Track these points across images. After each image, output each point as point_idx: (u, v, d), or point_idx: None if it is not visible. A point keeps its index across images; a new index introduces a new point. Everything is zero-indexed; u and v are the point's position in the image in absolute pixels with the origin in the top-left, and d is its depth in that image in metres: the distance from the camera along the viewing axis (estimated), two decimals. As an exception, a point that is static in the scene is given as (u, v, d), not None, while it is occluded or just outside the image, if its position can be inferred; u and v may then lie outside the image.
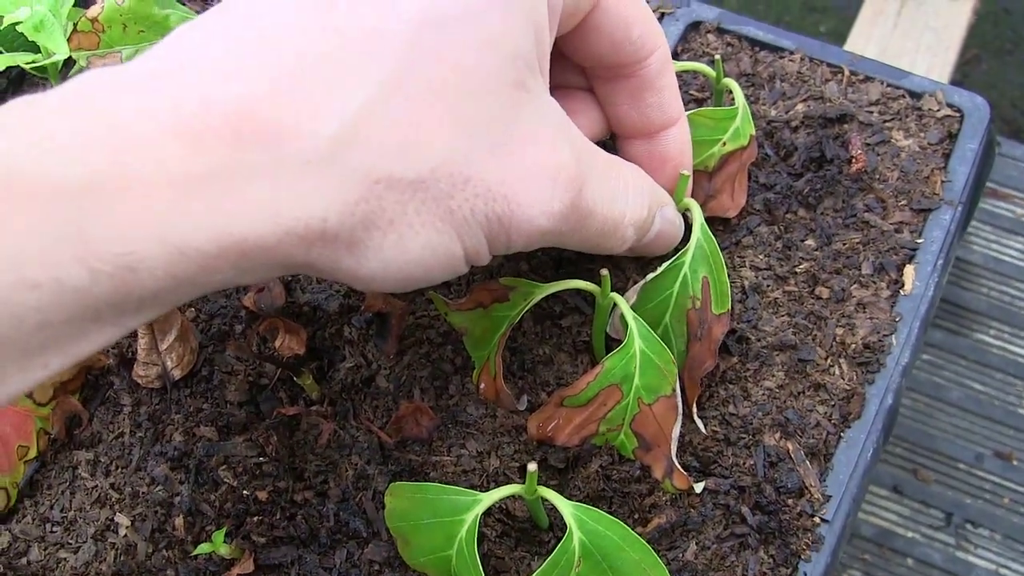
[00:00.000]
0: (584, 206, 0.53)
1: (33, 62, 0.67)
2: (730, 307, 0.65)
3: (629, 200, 0.58)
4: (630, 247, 0.60)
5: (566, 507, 0.56)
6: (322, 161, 0.42)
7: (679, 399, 0.61)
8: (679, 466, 0.61)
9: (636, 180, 0.59)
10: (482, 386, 0.65)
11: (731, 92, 0.72)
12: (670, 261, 0.65)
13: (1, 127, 0.38)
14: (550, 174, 0.50)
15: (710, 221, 0.71)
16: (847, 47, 1.04)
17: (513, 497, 0.62)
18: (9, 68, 0.76)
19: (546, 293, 0.63)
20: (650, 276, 0.65)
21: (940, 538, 0.85)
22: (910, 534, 0.86)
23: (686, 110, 0.71)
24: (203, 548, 0.61)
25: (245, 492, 0.64)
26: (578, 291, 0.69)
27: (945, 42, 0.98)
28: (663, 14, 0.82)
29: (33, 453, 0.67)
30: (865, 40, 0.99)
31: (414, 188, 0.45)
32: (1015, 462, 0.88)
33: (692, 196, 0.71)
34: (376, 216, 0.44)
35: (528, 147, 0.49)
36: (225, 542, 0.61)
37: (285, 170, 0.41)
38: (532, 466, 0.56)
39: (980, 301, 0.95)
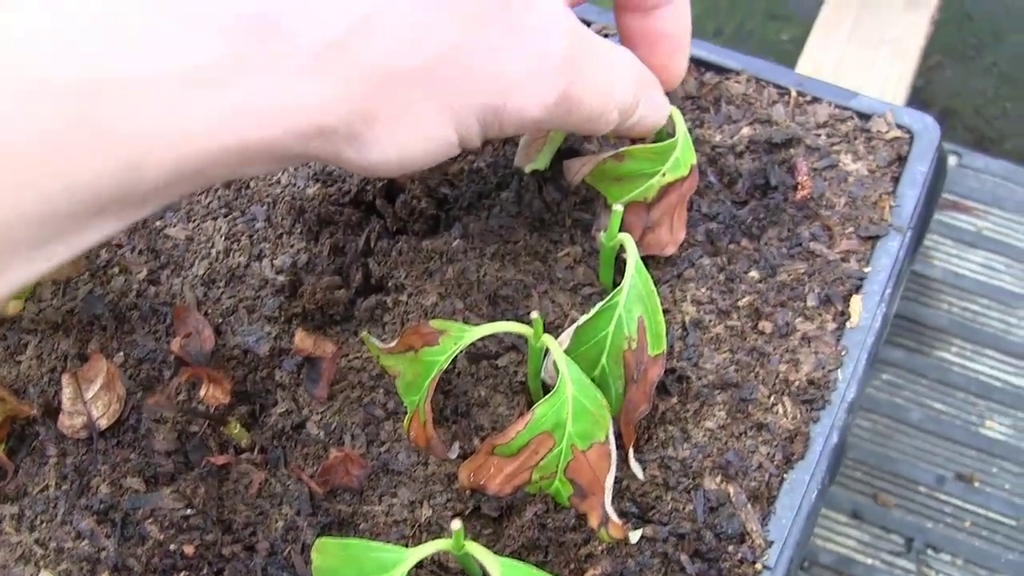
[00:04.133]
0: (575, 96, 0.53)
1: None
2: (666, 348, 0.63)
3: (616, 87, 0.57)
4: (613, 129, 0.60)
5: (494, 564, 0.54)
6: (327, 59, 0.43)
7: (613, 445, 0.60)
8: (614, 515, 0.59)
9: (625, 66, 0.59)
10: (412, 434, 0.63)
11: (671, 121, 0.71)
12: (604, 302, 0.63)
13: None
14: (546, 66, 0.51)
15: (649, 257, 0.69)
16: (803, 58, 1.02)
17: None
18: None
19: (477, 337, 0.61)
20: (584, 318, 0.63)
21: (901, 564, 0.84)
22: (870, 561, 0.84)
23: (629, 139, 0.70)
24: (126, 608, 0.59)
25: (172, 547, 0.62)
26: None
27: (903, 51, 0.96)
28: (607, 35, 0.80)
29: (-43, 506, 0.65)
30: (821, 51, 0.97)
31: (415, 82, 0.46)
32: (977, 484, 0.87)
33: (629, 229, 0.69)
34: (378, 111, 0.46)
35: (526, 38, 0.50)
36: (149, 600, 0.60)
37: (291, 67, 0.42)
38: (456, 524, 0.54)
39: (940, 318, 0.93)
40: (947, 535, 0.85)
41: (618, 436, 0.62)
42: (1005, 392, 0.90)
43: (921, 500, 0.86)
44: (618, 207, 0.64)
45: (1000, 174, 0.98)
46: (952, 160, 0.98)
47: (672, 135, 0.69)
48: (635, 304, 0.63)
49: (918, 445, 0.88)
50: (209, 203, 0.74)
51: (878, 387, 0.90)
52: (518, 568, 0.55)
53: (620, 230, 0.66)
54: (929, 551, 0.84)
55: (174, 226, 0.73)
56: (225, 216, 0.73)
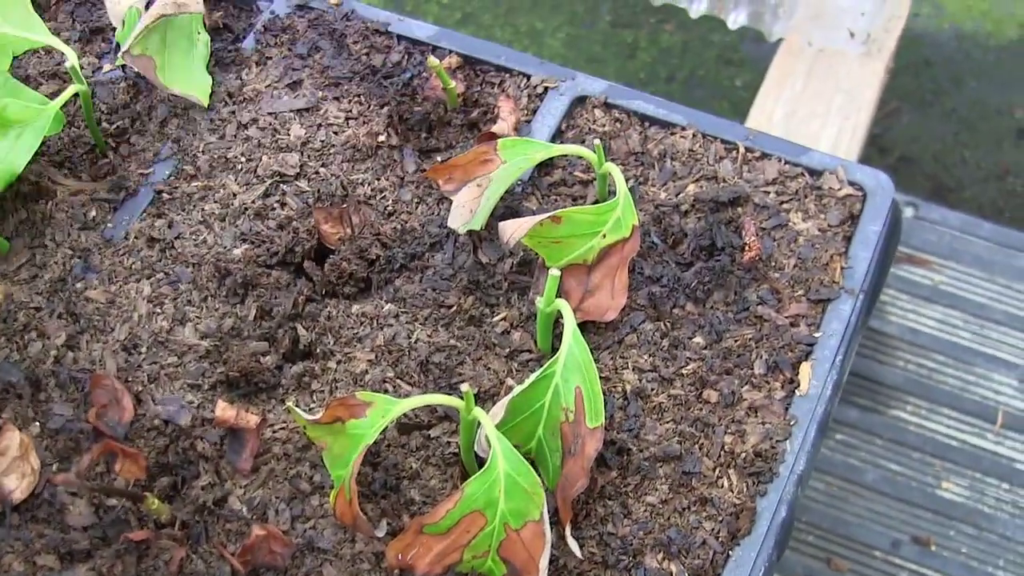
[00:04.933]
0: None
1: None
2: (604, 420, 0.60)
3: None
4: None
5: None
6: None
7: (547, 524, 0.57)
8: (550, 597, 0.57)
9: None
10: (338, 511, 0.60)
11: (611, 180, 0.68)
12: (541, 371, 0.60)
13: None
14: None
15: (588, 322, 0.67)
16: (755, 107, 1.00)
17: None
18: None
19: (405, 409, 0.59)
20: (519, 388, 0.60)
21: (855, 633, 0.81)
22: (824, 629, 0.81)
23: (571, 192, 0.67)
24: None
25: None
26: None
27: (857, 102, 0.94)
28: (547, 88, 0.77)
29: None
30: (774, 100, 0.95)
31: None
32: (934, 547, 0.84)
33: (568, 293, 0.67)
34: None
35: None
36: None
37: None
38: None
39: (896, 375, 0.91)
40: (903, 602, 0.82)
41: (554, 512, 0.60)
42: (962, 452, 0.87)
43: (876, 565, 0.83)
44: (555, 271, 0.62)
45: (957, 226, 0.96)
46: (908, 211, 0.96)
47: (613, 194, 0.67)
48: (573, 374, 0.60)
49: (873, 507, 0.85)
50: (132, 264, 0.71)
51: (832, 447, 0.87)
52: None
53: (558, 294, 0.63)
54: (885, 619, 0.82)
55: (95, 288, 0.70)
56: (148, 278, 0.70)
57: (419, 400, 0.59)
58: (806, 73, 0.96)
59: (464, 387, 0.57)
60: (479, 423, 0.60)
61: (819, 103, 0.94)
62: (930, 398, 0.90)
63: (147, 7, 0.76)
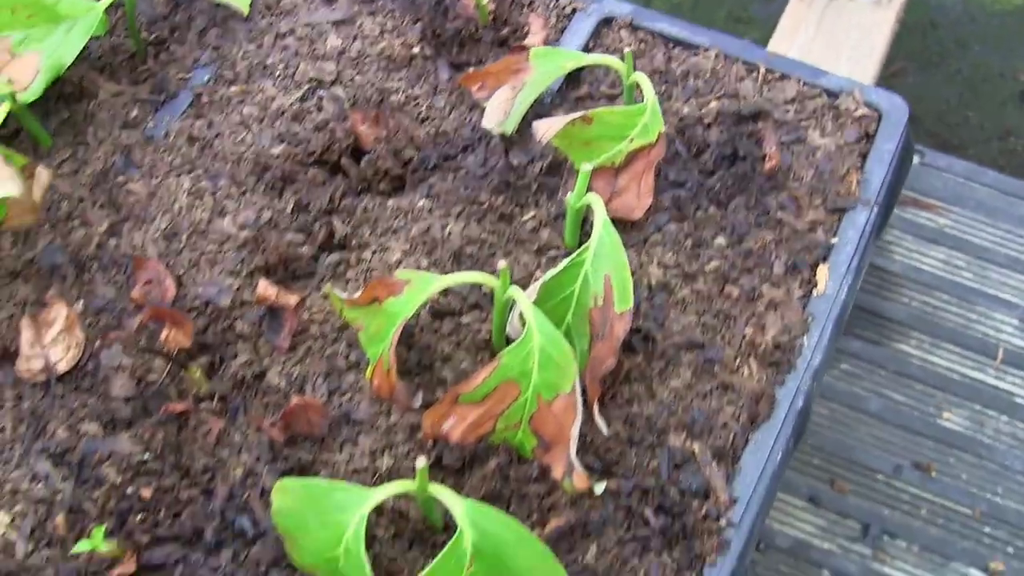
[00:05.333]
0: None
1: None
2: (633, 305, 0.63)
3: None
4: None
5: (458, 505, 0.54)
6: None
7: (578, 397, 0.59)
8: (579, 466, 0.59)
9: None
10: (375, 383, 0.62)
11: (640, 89, 0.71)
12: (571, 258, 0.62)
13: None
14: None
15: (616, 220, 0.69)
16: (769, 54, 1.02)
17: (406, 497, 0.60)
18: None
19: (442, 287, 0.61)
20: (550, 273, 0.63)
21: (857, 550, 0.83)
22: (826, 545, 0.83)
23: (597, 107, 0.69)
24: (82, 546, 0.58)
25: (129, 490, 0.61)
26: (479, 287, 0.67)
27: (867, 49, 0.97)
28: (575, 9, 0.80)
29: (-95, 452, 0.63)
30: (786, 48, 0.97)
31: None
32: (934, 474, 0.86)
33: (597, 194, 0.69)
34: None
35: None
36: (107, 540, 0.58)
37: None
38: (421, 461, 0.53)
39: (900, 311, 0.93)
40: (903, 523, 0.84)
41: (582, 392, 0.62)
42: (963, 385, 0.90)
43: (878, 488, 0.86)
44: (587, 166, 0.64)
45: (962, 174, 0.99)
46: (915, 159, 0.98)
47: (641, 102, 0.70)
48: (602, 262, 0.63)
49: (876, 434, 0.88)
50: (172, 160, 0.73)
51: (837, 376, 0.90)
52: (483, 509, 0.54)
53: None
54: (885, 537, 0.84)
55: (136, 182, 0.73)
56: (188, 173, 0.73)
57: (455, 278, 0.61)
58: (817, 22, 0.99)
59: (501, 263, 0.59)
60: (512, 303, 0.62)
61: (830, 50, 0.97)
62: (933, 333, 0.92)
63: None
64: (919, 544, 0.84)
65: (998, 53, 1.24)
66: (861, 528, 0.85)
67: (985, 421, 0.89)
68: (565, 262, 0.63)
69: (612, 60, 0.72)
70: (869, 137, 0.75)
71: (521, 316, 0.61)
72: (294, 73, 0.77)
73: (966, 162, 1.01)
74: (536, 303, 0.63)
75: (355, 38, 0.79)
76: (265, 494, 0.61)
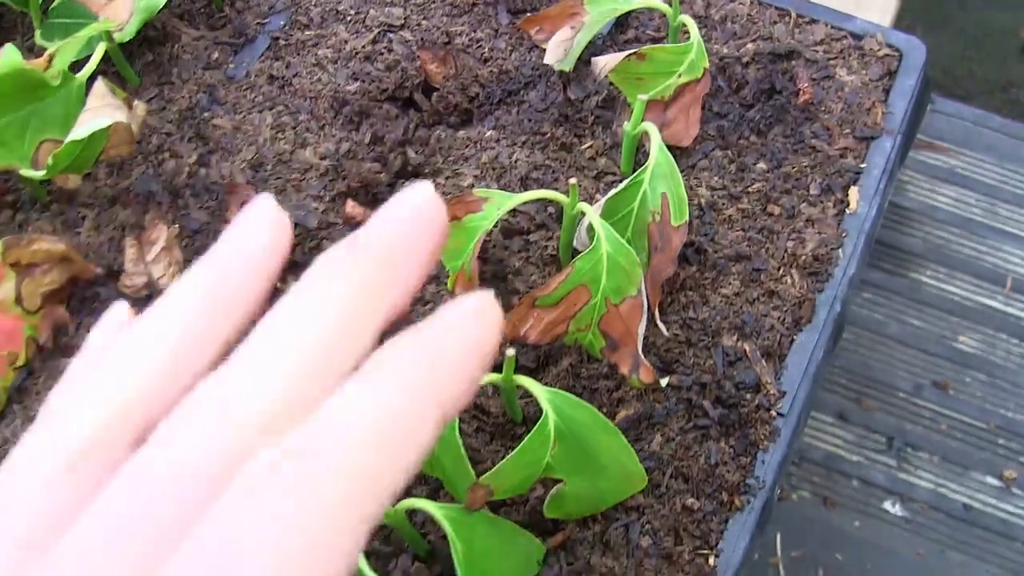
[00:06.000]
0: None
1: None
2: (688, 219, 0.69)
3: None
4: None
5: (541, 392, 0.60)
6: None
7: (644, 298, 0.65)
8: (645, 361, 0.65)
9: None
10: (458, 291, 0.69)
11: (686, 29, 0.77)
12: (631, 178, 0.69)
13: None
14: None
15: (667, 147, 0.75)
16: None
17: (487, 394, 0.66)
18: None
19: (518, 203, 0.67)
20: (613, 192, 0.69)
21: (883, 460, 0.90)
22: (855, 457, 0.90)
23: (642, 47, 0.76)
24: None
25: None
26: (545, 208, 0.73)
27: (882, 5, 1.04)
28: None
29: (22, 360, 0.69)
30: None
31: None
32: (951, 391, 0.93)
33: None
34: None
35: None
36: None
37: None
38: (510, 351, 0.60)
39: (916, 244, 1.00)
40: (924, 436, 0.91)
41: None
42: (976, 311, 0.97)
43: (900, 404, 0.93)
44: (643, 97, 0.71)
45: (970, 118, 1.06)
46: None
47: (689, 40, 0.76)
48: (659, 181, 0.69)
49: (897, 356, 0.95)
50: (254, 97, 0.79)
51: (860, 304, 0.96)
52: (563, 396, 0.60)
53: (641, 122, 0.72)
54: (908, 449, 0.91)
55: (220, 117, 0.79)
56: (270, 109, 0.79)
57: (530, 195, 0.67)
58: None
59: (571, 181, 0.65)
60: (581, 217, 0.68)
61: (849, 4, 1.03)
62: (947, 264, 0.99)
63: None
64: (939, 455, 0.91)
65: (999, 11, 1.31)
66: (886, 441, 0.91)
67: (996, 343, 0.96)
68: (626, 182, 0.69)
69: (660, 4, 0.78)
70: (891, 74, 0.82)
71: (588, 229, 0.67)
72: (364, 19, 0.83)
73: (973, 108, 1.08)
74: (601, 216, 0.69)
75: (419, -15, 0.85)
76: (360, 391, 0.67)
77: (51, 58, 0.70)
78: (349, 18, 0.83)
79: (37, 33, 0.79)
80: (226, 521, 0.24)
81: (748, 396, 0.67)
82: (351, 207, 0.71)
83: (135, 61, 0.81)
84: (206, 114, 0.79)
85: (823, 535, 0.88)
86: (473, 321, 0.30)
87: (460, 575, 0.57)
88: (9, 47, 0.69)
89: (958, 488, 0.90)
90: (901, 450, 0.91)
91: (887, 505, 0.89)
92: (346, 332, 0.28)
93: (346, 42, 0.82)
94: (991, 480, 0.90)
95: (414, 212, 0.31)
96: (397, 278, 0.30)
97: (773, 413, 0.67)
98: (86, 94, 0.72)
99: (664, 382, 0.67)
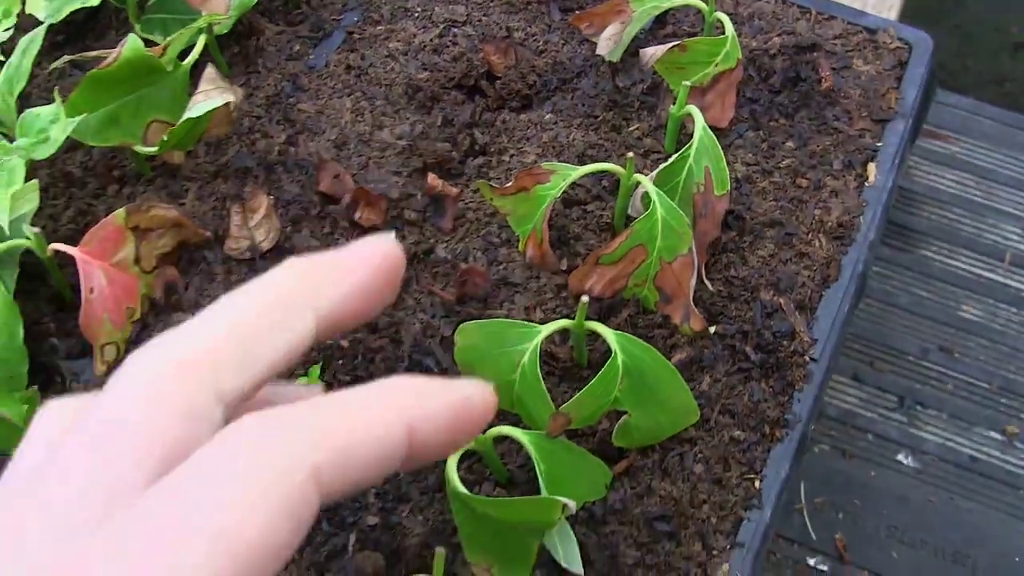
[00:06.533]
0: None
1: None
2: (728, 189, 0.78)
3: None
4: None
5: (610, 334, 0.69)
6: None
7: (695, 256, 0.74)
8: (695, 310, 0.74)
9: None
10: (529, 251, 0.78)
11: (721, 25, 0.86)
12: (679, 153, 0.78)
13: None
14: None
15: (709, 124, 0.85)
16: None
17: (557, 342, 0.75)
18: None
19: (581, 174, 0.76)
20: (662, 166, 0.78)
21: (895, 417, 0.99)
22: (869, 414, 0.99)
23: (681, 40, 0.85)
24: (302, 380, 0.73)
25: (329, 341, 0.76)
26: (600, 180, 0.82)
27: (888, 3, 1.13)
28: None
29: (137, 315, 0.78)
30: None
31: None
32: (956, 355, 1.02)
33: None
34: None
35: None
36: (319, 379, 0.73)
37: None
38: (584, 298, 0.69)
39: (922, 223, 1.09)
40: (933, 395, 1.00)
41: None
42: (977, 283, 1.06)
43: (910, 367, 1.02)
44: (687, 83, 0.80)
45: (968, 108, 1.15)
46: (928, 96, 1.15)
47: (723, 34, 0.85)
48: (702, 156, 0.78)
49: (906, 323, 1.04)
50: (334, 85, 0.88)
51: (872, 277, 1.06)
52: (629, 338, 0.69)
53: (683, 106, 0.81)
54: (918, 407, 1.00)
55: (304, 102, 0.88)
56: (349, 95, 0.88)
57: (591, 167, 0.76)
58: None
59: (629, 154, 0.75)
60: (637, 185, 0.77)
61: (856, 2, 1.13)
62: (950, 241, 1.08)
63: None
64: (947, 412, 1.00)
65: (993, 10, 1.41)
66: (897, 400, 1.01)
67: (997, 312, 1.06)
68: (674, 156, 0.78)
69: (698, 2, 0.88)
70: (902, 64, 0.91)
71: (642, 198, 0.77)
72: (431, 15, 0.92)
73: (970, 99, 1.17)
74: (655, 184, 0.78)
75: (478, -15, 0.94)
76: (444, 341, 0.76)
77: (165, 48, 0.79)
78: (417, 15, 0.92)
79: (137, 27, 0.88)
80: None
81: (784, 343, 0.76)
82: (432, 179, 0.80)
83: (224, 52, 0.90)
84: (291, 99, 0.88)
85: (842, 484, 0.97)
86: (364, 245, 0.38)
87: (544, 491, 0.66)
88: (132, 37, 0.78)
89: (964, 442, 0.99)
90: (911, 408, 1.00)
91: (900, 457, 0.98)
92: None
93: (415, 36, 0.91)
94: (994, 435, 0.99)
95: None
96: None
97: (807, 358, 0.76)
98: (190, 80, 0.81)
99: (712, 330, 0.76)
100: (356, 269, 0.37)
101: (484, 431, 0.64)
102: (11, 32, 0.85)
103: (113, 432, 0.32)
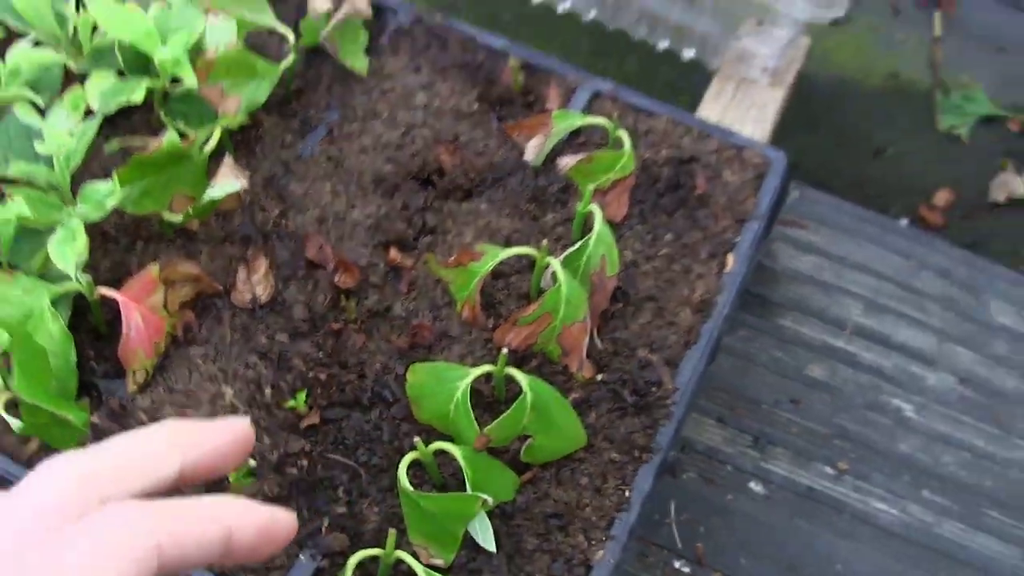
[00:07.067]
0: None
1: (152, 87, 1.03)
2: (618, 271, 1.03)
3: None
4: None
5: (523, 378, 0.92)
6: None
7: (589, 321, 0.99)
8: (587, 362, 0.99)
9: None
10: (465, 312, 1.02)
11: (621, 140, 1.11)
12: (582, 241, 1.02)
13: None
14: None
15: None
16: (698, 115, 1.44)
17: (483, 381, 0.99)
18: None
19: (506, 255, 1.00)
20: (568, 251, 1.02)
21: (750, 453, 1.23)
22: (729, 450, 1.23)
23: (591, 151, 1.09)
24: (291, 403, 0.97)
25: (310, 375, 1.00)
26: (520, 260, 1.06)
27: (763, 116, 1.39)
28: (576, 86, 1.20)
29: (162, 348, 1.01)
30: (708, 112, 1.39)
31: None
32: (802, 405, 1.27)
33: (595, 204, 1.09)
34: None
35: None
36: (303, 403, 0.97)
37: None
38: (504, 349, 0.93)
39: (781, 297, 1.34)
40: (781, 436, 1.25)
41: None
42: (823, 348, 1.31)
43: (763, 413, 1.26)
44: (591, 186, 1.05)
45: (828, 203, 1.41)
46: (795, 193, 1.41)
47: (622, 148, 1.10)
48: (600, 245, 1.02)
49: (763, 378, 1.28)
50: (317, 172, 1.12)
51: (736, 339, 1.31)
52: (536, 381, 0.93)
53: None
54: (769, 445, 1.24)
55: (294, 184, 1.11)
56: (329, 180, 1.11)
57: (514, 250, 1.00)
58: (731, 94, 1.40)
59: (544, 241, 0.99)
60: (545, 268, 1.02)
61: (739, 113, 1.38)
62: (803, 312, 1.32)
63: (335, 9, 1.17)
64: (792, 450, 1.24)
65: (859, 121, 1.68)
66: (752, 439, 1.25)
67: (837, 372, 1.31)
68: (577, 244, 1.02)
69: (604, 121, 1.13)
70: (761, 176, 1.16)
71: (552, 275, 1.01)
72: (395, 118, 1.16)
73: (830, 196, 1.44)
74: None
75: (435, 96, 1.17)
76: (398, 378, 0.98)
77: (192, 140, 1.03)
78: (384, 117, 1.16)
79: (160, 113, 1.11)
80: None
81: (654, 389, 1.01)
82: (393, 253, 1.04)
83: (231, 139, 1.14)
84: (283, 181, 1.11)
85: (704, 504, 1.22)
86: (225, 422, 0.52)
87: (469, 491, 0.91)
88: (171, 132, 1.01)
89: (804, 474, 1.24)
90: (763, 446, 1.25)
91: (752, 484, 1.23)
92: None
93: (382, 135, 1.15)
94: (828, 469, 1.24)
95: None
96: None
97: (670, 401, 1.01)
98: (208, 164, 1.05)
99: (599, 378, 1.01)
100: (215, 437, 0.51)
101: (427, 446, 0.88)
102: (81, 122, 1.07)
103: (28, 509, 0.45)
